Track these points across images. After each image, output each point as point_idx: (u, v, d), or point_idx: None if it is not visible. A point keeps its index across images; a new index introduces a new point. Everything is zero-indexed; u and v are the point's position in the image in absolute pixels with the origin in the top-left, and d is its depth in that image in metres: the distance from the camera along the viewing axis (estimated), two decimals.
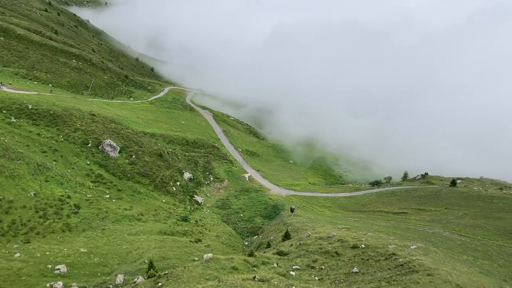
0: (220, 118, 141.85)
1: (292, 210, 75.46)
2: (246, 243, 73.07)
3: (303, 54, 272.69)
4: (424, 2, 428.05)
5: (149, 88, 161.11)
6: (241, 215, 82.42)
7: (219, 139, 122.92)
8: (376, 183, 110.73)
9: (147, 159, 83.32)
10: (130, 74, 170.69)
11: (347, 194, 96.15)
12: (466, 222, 56.12)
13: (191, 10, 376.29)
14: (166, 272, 33.94)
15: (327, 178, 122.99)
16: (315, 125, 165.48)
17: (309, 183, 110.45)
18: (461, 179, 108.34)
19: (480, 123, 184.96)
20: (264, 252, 53.03)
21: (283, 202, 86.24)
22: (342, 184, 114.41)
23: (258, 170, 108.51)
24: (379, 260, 36.39)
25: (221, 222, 78.04)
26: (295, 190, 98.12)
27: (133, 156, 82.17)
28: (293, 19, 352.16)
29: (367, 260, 37.23)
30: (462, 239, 46.53)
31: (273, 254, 43.61)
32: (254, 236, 75.10)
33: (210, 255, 35.26)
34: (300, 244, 45.92)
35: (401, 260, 34.10)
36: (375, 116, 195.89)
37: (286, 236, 55.76)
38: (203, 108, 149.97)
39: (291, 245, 47.91)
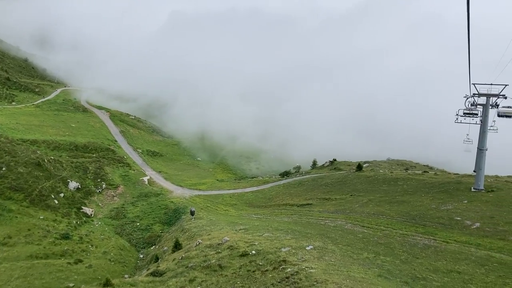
0: (117, 117, 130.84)
1: (192, 213, 68.42)
2: (141, 255, 64.91)
3: (202, 42, 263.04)
4: None
5: (37, 90, 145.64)
6: (138, 224, 73.87)
7: (116, 141, 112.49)
8: (286, 174, 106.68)
9: (21, 170, 71.81)
10: (15, 76, 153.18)
11: (255, 189, 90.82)
12: (370, 210, 52.49)
13: (84, 1, 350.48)
14: None
15: (237, 173, 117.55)
16: (211, 116, 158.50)
17: (217, 180, 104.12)
18: (368, 162, 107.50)
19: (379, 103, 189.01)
20: (147, 269, 45.70)
21: (186, 204, 78.90)
22: (251, 178, 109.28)
23: (160, 172, 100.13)
24: (266, 271, 30.49)
25: (113, 234, 69.00)
26: (200, 189, 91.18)
27: (3, 169, 70.30)
28: (192, 5, 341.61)
29: (253, 272, 31.25)
30: (364, 231, 42.31)
31: (147, 275, 36.27)
32: (152, 246, 67.08)
33: None
34: (182, 258, 39.00)
35: (289, 270, 28.42)
36: (278, 104, 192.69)
37: (176, 247, 48.65)
38: (99, 108, 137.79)
39: (174, 259, 40.89)
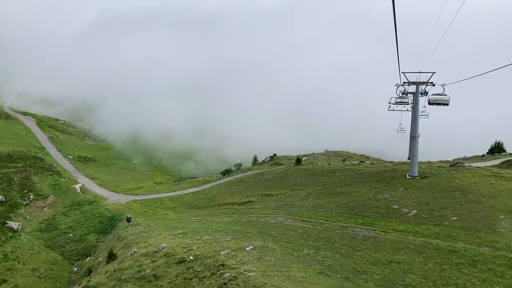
0: (45, 123, 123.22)
1: (128, 220, 65.25)
2: (75, 268, 60.92)
3: (132, 40, 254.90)
4: None
5: None
6: (71, 235, 69.42)
7: (44, 148, 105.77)
8: (227, 172, 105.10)
9: None
10: None
11: (195, 189, 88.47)
12: (310, 203, 52.11)
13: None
14: None
15: (176, 174, 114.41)
16: (143, 116, 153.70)
17: (155, 183, 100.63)
18: (307, 155, 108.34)
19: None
20: (79, 284, 42.54)
21: (122, 211, 75.20)
22: (192, 179, 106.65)
23: (93, 178, 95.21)
24: (204, 277, 28.90)
25: (43, 248, 64.30)
26: (137, 194, 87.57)
27: None
28: (121, 2, 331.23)
29: (191, 280, 29.59)
30: (304, 226, 41.66)
31: None
32: (87, 258, 63.19)
33: None
34: (115, 270, 36.44)
35: (227, 275, 27.00)
36: (212, 101, 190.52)
37: (111, 257, 45.72)
38: (24, 114, 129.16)
39: (107, 271, 38.19)
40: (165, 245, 40.13)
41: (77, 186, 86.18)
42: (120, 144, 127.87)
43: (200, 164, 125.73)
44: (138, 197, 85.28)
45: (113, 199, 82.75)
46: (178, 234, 46.98)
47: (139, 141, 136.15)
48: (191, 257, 33.81)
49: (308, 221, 43.16)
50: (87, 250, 65.32)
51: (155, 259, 37.04)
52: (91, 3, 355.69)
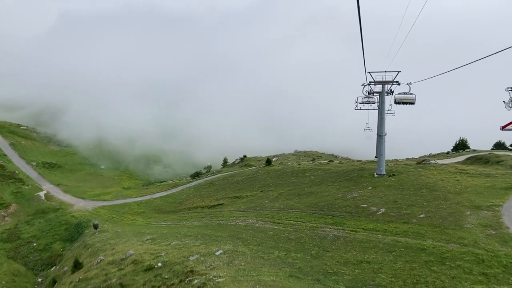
0: (6, 129, 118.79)
1: (95, 227, 63.35)
2: (40, 279, 58.68)
3: (96, 42, 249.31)
4: None
5: None
6: (35, 244, 66.97)
7: (6, 155, 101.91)
8: (197, 175, 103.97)
9: None
10: None
11: (164, 193, 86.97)
12: (280, 204, 51.83)
13: None
14: None
15: (145, 178, 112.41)
16: (108, 120, 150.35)
17: (123, 188, 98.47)
18: (277, 156, 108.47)
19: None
20: None
21: (89, 217, 73.02)
22: (161, 182, 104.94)
23: (58, 185, 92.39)
24: (172, 285, 28.29)
25: (5, 259, 61.76)
26: (104, 200, 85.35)
27: None
28: (85, 4, 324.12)
29: (158, 287, 28.69)
30: (275, 227, 41.31)
31: None
32: (52, 267, 61.05)
33: None
34: (79, 280, 35.25)
35: (196, 281, 26.40)
36: (179, 103, 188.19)
37: (76, 266, 44.22)
38: None
39: (72, 282, 36.90)
40: (132, 252, 39.08)
41: (42, 194, 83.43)
42: (86, 148, 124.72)
43: (169, 168, 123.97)
44: (105, 203, 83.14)
45: (79, 205, 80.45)
46: (146, 240, 45.93)
47: (104, 145, 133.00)
48: (159, 264, 33.01)
49: (279, 223, 42.84)
50: (52, 259, 63.12)
51: (122, 267, 36.00)
52: (53, 4, 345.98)
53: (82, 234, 66.63)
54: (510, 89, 24.71)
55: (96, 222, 64.46)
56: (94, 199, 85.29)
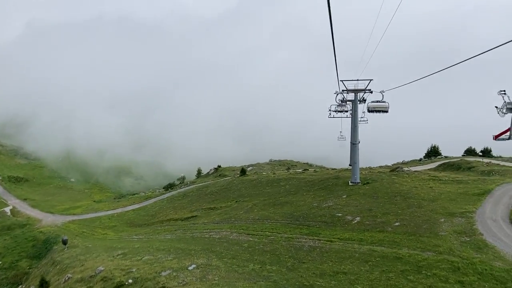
0: None
1: (64, 242, 61.10)
2: None
3: (65, 52, 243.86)
4: None
5: None
6: (0, 262, 64.18)
7: None
8: (170, 186, 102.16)
9: None
10: None
11: (137, 206, 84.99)
12: (255, 215, 51.02)
13: None
14: None
15: (117, 191, 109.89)
16: (76, 131, 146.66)
17: (94, 201, 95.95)
18: (252, 165, 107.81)
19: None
20: None
21: (58, 233, 70.45)
22: (133, 195, 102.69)
23: (25, 199, 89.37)
24: None
25: None
26: (74, 214, 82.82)
27: None
28: (54, 13, 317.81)
29: None
30: (250, 239, 40.45)
31: None
32: (18, 286, 58.54)
33: None
34: None
35: None
36: (150, 113, 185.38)
37: (43, 285, 42.35)
38: None
39: None
40: (102, 269, 37.67)
41: (7, 209, 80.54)
42: (54, 161, 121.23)
43: (141, 179, 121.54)
44: (75, 217, 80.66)
45: (48, 220, 77.72)
46: (117, 255, 44.43)
47: (73, 157, 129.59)
48: (130, 280, 31.84)
49: (254, 234, 42.01)
50: (18, 278, 60.51)
51: (91, 284, 34.65)
52: (20, 13, 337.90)
53: (50, 251, 64.20)
54: (503, 92, 22.15)
55: (65, 237, 62.21)
56: (64, 214, 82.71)
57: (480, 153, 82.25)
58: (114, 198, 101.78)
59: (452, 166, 65.91)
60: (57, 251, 60.70)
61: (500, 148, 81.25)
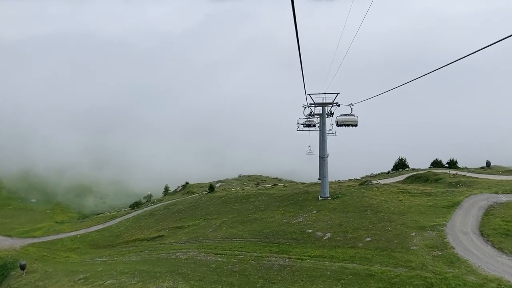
0: None
1: (22, 267, 57.62)
2: None
3: (23, 69, 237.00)
4: (162, 10, 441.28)
5: None
6: None
7: None
8: (136, 205, 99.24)
9: None
10: None
11: (101, 226, 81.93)
12: (224, 234, 49.48)
13: None
14: None
15: (81, 211, 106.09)
16: (35, 150, 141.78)
17: (56, 222, 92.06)
18: (221, 181, 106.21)
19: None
20: None
21: (17, 257, 66.55)
22: (97, 215, 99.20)
23: None
24: None
25: None
26: (34, 236, 79.17)
27: None
28: (12, 29, 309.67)
29: None
30: (218, 259, 38.86)
31: None
32: None
33: None
34: None
35: None
36: (113, 130, 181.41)
37: None
38: None
39: None
40: None
41: None
42: (13, 181, 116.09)
43: (105, 198, 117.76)
44: (35, 240, 76.91)
45: (5, 244, 73.66)
46: (78, 279, 42.11)
47: (32, 177, 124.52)
48: None
49: (222, 254, 40.44)
50: None
51: None
52: None
53: (7, 277, 60.46)
54: None
55: (23, 262, 58.80)
56: (23, 236, 78.92)
57: (446, 165, 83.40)
58: (78, 219, 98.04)
59: (420, 178, 66.31)
60: (14, 277, 57.17)
61: (465, 159, 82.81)
